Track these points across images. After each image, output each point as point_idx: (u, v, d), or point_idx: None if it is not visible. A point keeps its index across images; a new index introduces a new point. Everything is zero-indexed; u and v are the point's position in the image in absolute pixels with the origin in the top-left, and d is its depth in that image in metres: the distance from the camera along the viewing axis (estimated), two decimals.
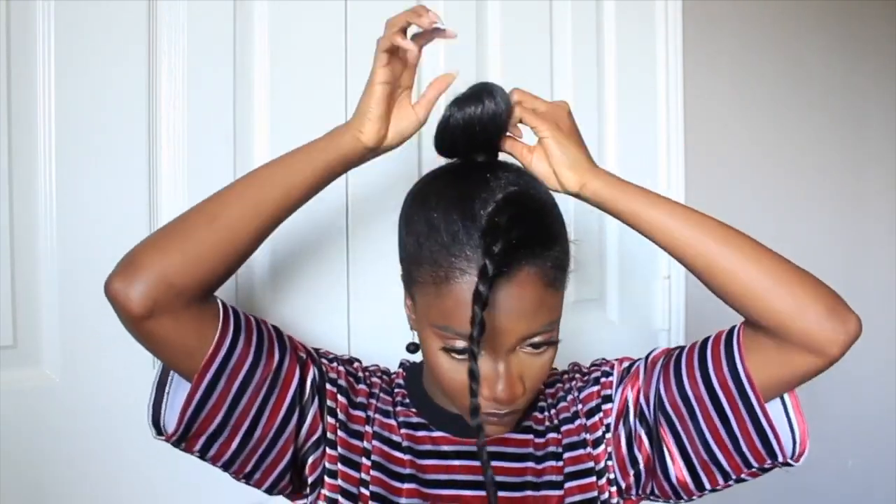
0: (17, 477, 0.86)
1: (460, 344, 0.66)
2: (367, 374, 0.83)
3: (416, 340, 0.78)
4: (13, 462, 0.86)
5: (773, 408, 0.72)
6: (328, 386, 0.77)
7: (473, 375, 0.63)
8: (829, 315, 0.67)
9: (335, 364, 0.80)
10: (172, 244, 0.67)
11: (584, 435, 0.79)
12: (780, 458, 0.72)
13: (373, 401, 0.80)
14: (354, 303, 1.13)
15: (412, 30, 0.73)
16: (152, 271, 0.65)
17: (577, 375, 0.84)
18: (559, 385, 0.84)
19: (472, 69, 1.24)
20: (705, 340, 0.76)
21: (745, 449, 0.72)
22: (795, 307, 0.68)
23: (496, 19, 1.28)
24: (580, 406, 0.81)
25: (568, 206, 1.34)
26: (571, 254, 0.71)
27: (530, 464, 0.78)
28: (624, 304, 1.48)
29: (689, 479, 0.74)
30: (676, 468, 0.74)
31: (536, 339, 0.68)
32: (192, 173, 0.99)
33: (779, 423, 0.72)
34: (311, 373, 0.75)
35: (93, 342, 0.92)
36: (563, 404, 0.82)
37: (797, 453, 0.72)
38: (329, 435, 0.76)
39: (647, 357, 0.80)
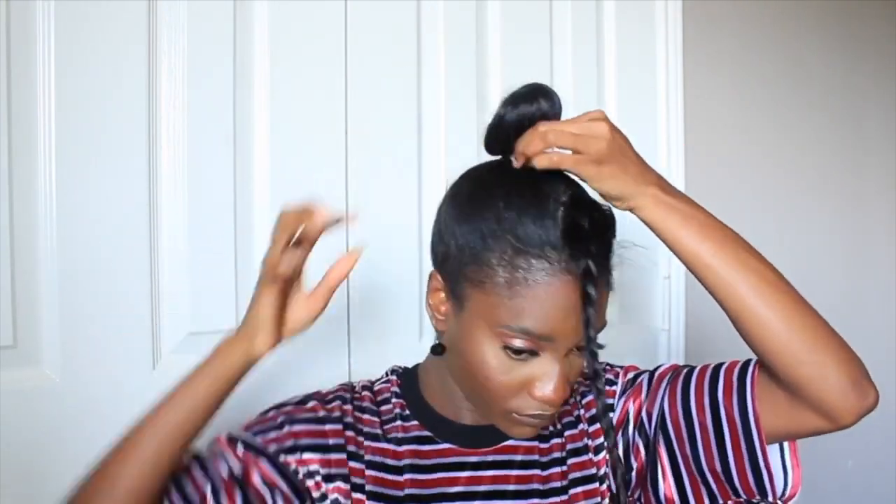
0: (17, 477, 0.86)
1: (520, 343, 0.66)
2: (330, 407, 0.76)
3: (441, 340, 0.75)
4: (13, 462, 0.86)
5: (771, 449, 0.72)
6: (287, 457, 0.72)
7: (598, 375, 0.66)
8: (851, 386, 0.66)
9: (286, 428, 0.73)
10: None
11: (586, 441, 0.79)
12: (770, 498, 0.72)
13: (350, 433, 0.75)
14: (355, 319, 1.12)
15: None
16: None
17: (580, 379, 0.83)
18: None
19: (472, 69, 1.24)
20: (718, 367, 0.74)
21: (737, 483, 0.72)
22: (818, 372, 0.66)
23: (496, 19, 1.28)
24: (582, 411, 0.81)
25: None
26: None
27: (536, 471, 0.77)
28: (624, 304, 1.48)
29: (676, 497, 0.74)
30: (666, 485, 0.74)
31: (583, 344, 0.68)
32: (192, 173, 0.99)
33: (775, 465, 0.72)
34: (260, 480, 0.70)
35: (93, 342, 0.92)
36: (565, 408, 0.81)
37: (787, 496, 0.73)
38: (316, 493, 0.72)
39: (653, 371, 0.80)
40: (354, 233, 1.12)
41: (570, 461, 0.78)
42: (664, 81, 1.53)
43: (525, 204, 0.66)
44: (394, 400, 0.79)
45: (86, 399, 0.91)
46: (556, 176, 0.69)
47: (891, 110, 2.17)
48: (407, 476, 0.74)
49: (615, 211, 0.71)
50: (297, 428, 0.74)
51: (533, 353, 0.67)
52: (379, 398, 0.79)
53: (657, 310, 1.53)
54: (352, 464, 0.73)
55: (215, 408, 0.70)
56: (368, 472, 0.74)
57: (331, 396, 0.78)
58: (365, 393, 0.79)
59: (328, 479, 0.72)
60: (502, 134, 0.70)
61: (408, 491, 0.74)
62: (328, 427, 0.74)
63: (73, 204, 0.90)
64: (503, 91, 1.34)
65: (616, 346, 1.45)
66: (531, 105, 0.68)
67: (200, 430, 0.70)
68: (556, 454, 0.78)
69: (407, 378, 0.81)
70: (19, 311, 0.88)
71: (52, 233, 0.89)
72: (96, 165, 0.92)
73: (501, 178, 0.70)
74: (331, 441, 0.74)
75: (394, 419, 0.77)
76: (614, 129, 0.68)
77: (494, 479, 0.76)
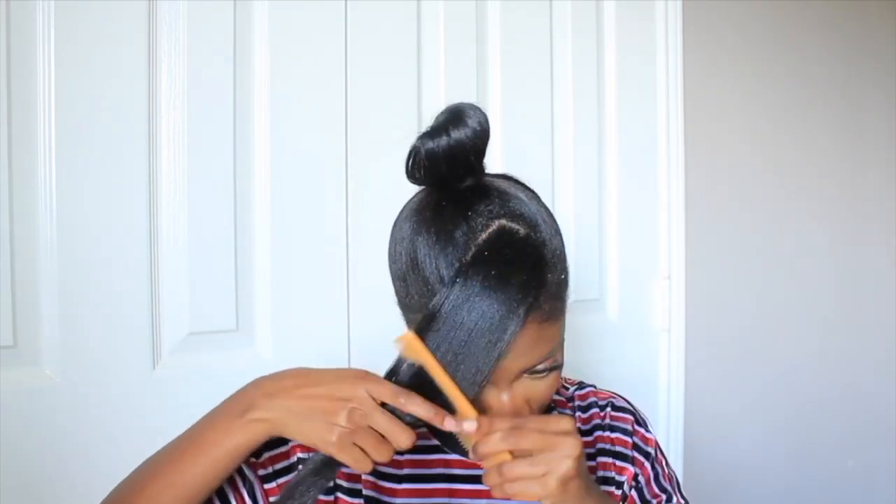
0: (17, 476, 0.86)
1: None
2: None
3: None
4: (13, 462, 0.86)
5: None
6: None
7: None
8: None
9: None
10: None
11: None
12: None
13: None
14: (354, 315, 1.12)
15: None
16: None
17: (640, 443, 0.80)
18: (595, 413, 0.82)
19: (472, 69, 1.24)
20: None
21: None
22: None
23: (496, 19, 1.28)
24: (609, 457, 0.80)
25: (567, 200, 1.35)
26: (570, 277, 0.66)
27: None
28: (624, 304, 1.48)
29: None
30: None
31: (538, 367, 0.65)
32: (192, 173, 0.99)
33: None
34: None
35: (93, 342, 0.92)
36: (599, 439, 0.80)
37: None
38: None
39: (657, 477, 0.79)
40: (354, 233, 1.12)
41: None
42: (664, 81, 1.53)
43: (434, 245, 0.63)
44: None
45: (86, 399, 0.91)
46: (480, 214, 0.63)
47: (891, 110, 2.17)
48: (405, 485, 0.74)
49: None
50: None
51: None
52: None
53: (657, 310, 1.53)
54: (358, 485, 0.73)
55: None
56: (366, 477, 0.73)
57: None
58: None
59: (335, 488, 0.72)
60: (415, 169, 0.64)
61: (405, 500, 0.73)
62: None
63: (73, 204, 0.90)
64: (504, 91, 1.34)
65: (616, 346, 1.46)
66: (458, 130, 0.61)
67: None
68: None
69: None
70: (19, 311, 0.88)
71: (52, 233, 0.89)
72: (96, 165, 0.92)
73: (424, 213, 0.66)
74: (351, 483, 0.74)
75: None
76: (581, 447, 0.63)
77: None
